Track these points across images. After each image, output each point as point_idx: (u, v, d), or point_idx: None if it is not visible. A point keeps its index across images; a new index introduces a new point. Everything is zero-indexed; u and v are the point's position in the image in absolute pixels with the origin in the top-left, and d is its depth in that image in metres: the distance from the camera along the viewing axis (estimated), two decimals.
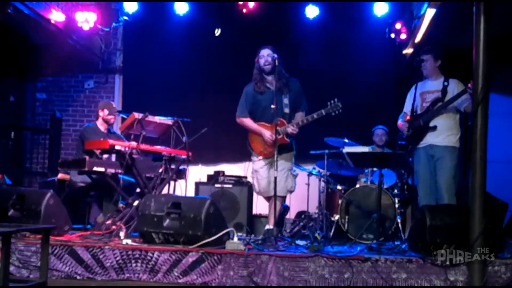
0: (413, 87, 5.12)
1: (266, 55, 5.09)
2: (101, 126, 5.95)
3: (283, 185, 5.03)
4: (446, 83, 5.05)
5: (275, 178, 4.70)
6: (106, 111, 5.91)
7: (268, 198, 5.23)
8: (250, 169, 5.40)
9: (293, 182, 5.18)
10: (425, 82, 5.24)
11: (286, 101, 5.10)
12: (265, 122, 5.13)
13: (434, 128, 5.03)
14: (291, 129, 5.00)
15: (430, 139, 5.06)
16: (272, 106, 4.89)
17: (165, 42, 7.90)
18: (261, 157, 5.17)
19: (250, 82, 5.25)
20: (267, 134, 5.06)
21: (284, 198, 5.24)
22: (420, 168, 5.14)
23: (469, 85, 4.62)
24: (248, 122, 5.21)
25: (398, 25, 7.30)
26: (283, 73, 5.13)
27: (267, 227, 5.10)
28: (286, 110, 5.09)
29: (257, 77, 5.16)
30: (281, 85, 5.08)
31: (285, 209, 6.43)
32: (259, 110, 5.18)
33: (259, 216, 6.48)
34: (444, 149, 5.00)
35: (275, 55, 4.95)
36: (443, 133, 5.03)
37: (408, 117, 5.15)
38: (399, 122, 5.42)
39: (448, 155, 4.99)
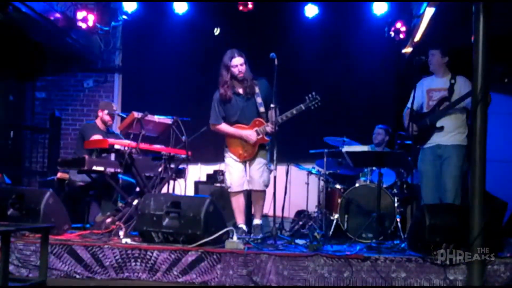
0: (419, 83, 5.06)
1: (239, 65, 5.03)
2: (100, 125, 5.94)
3: (259, 180, 5.06)
4: (453, 81, 4.96)
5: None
6: (106, 112, 5.89)
7: (237, 196, 5.18)
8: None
9: (268, 176, 5.10)
10: (432, 78, 5.14)
11: (259, 100, 5.06)
12: (241, 124, 5.12)
13: (441, 128, 4.95)
14: (270, 128, 4.94)
15: (437, 139, 4.98)
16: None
17: (164, 41, 7.90)
18: (239, 160, 5.14)
19: (218, 88, 5.15)
20: (249, 133, 5.04)
21: (263, 192, 5.14)
22: (425, 168, 5.06)
23: None
24: (224, 127, 5.16)
25: (397, 24, 7.30)
26: (251, 75, 5.09)
27: (255, 222, 5.14)
28: (262, 109, 5.06)
29: (225, 84, 5.08)
30: (251, 87, 5.05)
31: None
32: (232, 114, 5.14)
33: None
34: (452, 147, 4.92)
35: (273, 55, 4.83)
36: (450, 132, 4.94)
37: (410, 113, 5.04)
38: (405, 120, 5.28)
39: (456, 154, 4.90)
